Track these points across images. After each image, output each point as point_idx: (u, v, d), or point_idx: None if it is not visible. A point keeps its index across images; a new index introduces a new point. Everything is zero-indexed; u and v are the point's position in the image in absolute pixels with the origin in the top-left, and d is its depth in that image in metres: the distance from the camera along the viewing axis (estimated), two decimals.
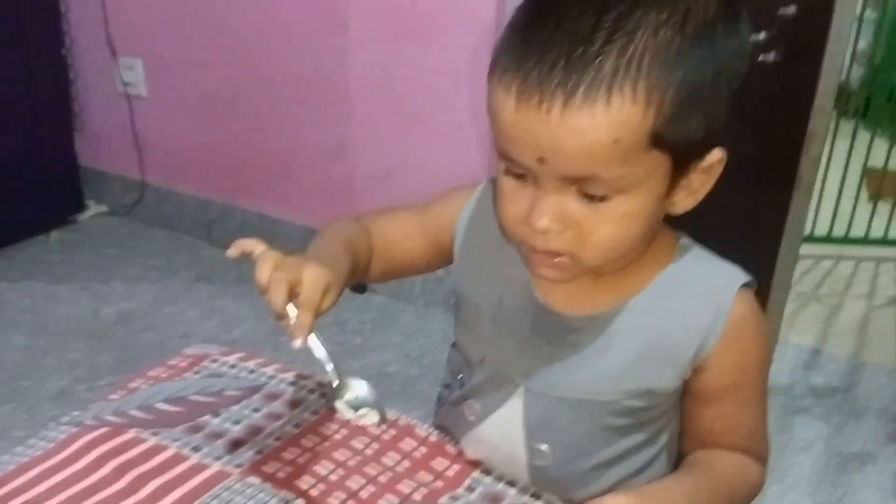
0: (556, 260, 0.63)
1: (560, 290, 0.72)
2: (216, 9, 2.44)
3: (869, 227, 2.96)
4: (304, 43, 2.31)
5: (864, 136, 3.06)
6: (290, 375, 0.91)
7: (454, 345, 0.84)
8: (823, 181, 2.86)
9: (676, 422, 0.78)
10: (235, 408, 0.86)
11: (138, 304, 2.31)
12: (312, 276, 0.63)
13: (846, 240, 2.96)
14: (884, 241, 2.97)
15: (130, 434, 0.80)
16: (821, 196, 2.86)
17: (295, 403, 0.87)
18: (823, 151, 2.81)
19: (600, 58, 0.54)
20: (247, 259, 0.65)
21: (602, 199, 0.59)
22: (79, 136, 2.86)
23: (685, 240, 0.73)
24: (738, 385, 0.72)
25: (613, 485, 0.76)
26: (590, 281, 0.70)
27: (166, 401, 0.87)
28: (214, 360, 0.95)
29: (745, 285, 0.69)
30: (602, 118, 0.55)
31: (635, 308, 0.70)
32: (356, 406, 0.66)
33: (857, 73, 3.91)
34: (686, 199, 0.64)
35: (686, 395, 0.74)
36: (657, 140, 0.57)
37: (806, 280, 2.78)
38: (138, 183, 2.84)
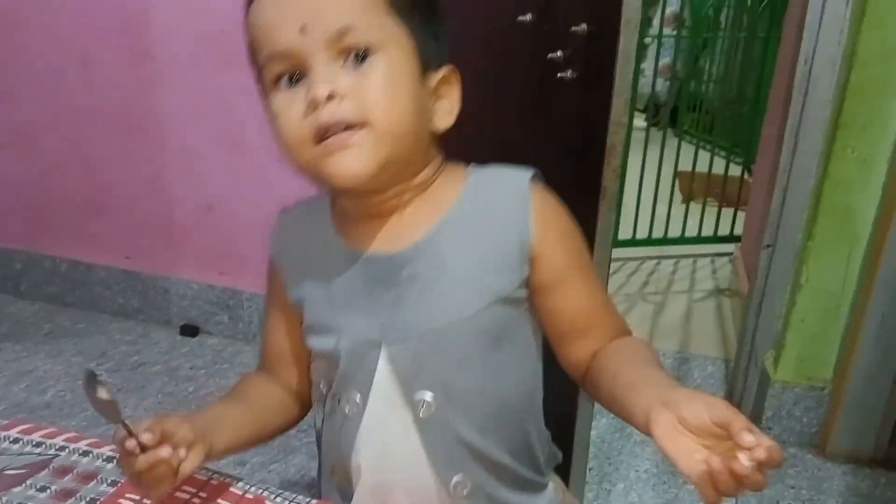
0: (353, 135, 0.66)
1: (375, 236, 0.75)
2: (4, 38, 2.24)
3: (684, 226, 3.18)
4: (105, 73, 2.17)
5: (673, 142, 3.30)
6: (82, 444, 0.81)
7: (311, 367, 0.82)
8: (640, 187, 3.05)
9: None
10: (17, 489, 0.75)
11: None
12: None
13: (665, 240, 3.17)
14: (698, 240, 3.20)
15: None
16: (639, 201, 3.05)
17: (88, 476, 0.77)
18: (639, 160, 3.02)
19: None
20: None
21: (363, 58, 0.66)
22: None
23: (473, 164, 0.78)
24: (571, 263, 0.76)
25: (503, 409, 0.76)
26: (397, 219, 0.74)
27: None
28: None
29: (533, 177, 0.75)
30: None
31: (450, 223, 0.73)
32: None
33: (664, 85, 4.23)
34: (444, 116, 0.73)
35: (537, 294, 0.76)
36: (391, 3, 0.67)
37: (632, 281, 2.94)
38: None
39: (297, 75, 0.67)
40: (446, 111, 0.73)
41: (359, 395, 0.75)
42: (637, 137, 2.93)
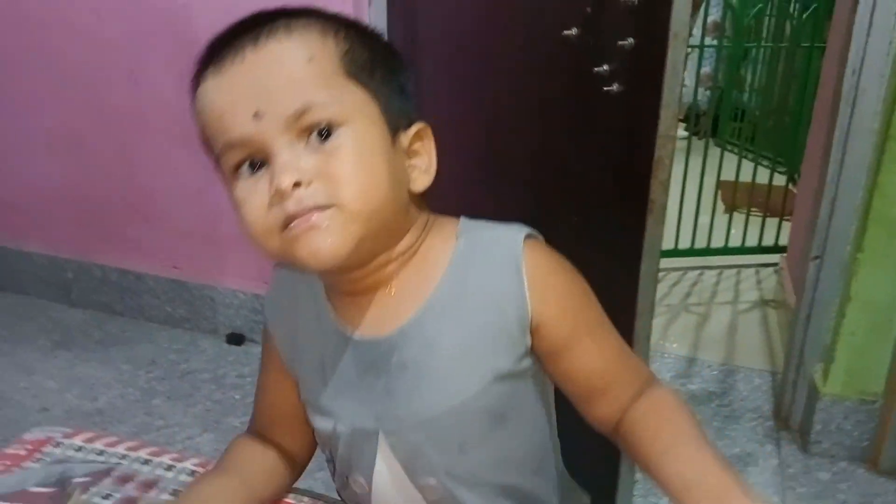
0: (321, 217, 0.60)
1: (364, 315, 0.70)
2: (53, 44, 2.29)
3: (727, 236, 3.14)
4: (152, 82, 2.21)
5: (715, 152, 3.26)
6: (143, 453, 0.84)
7: (315, 433, 0.80)
8: (682, 197, 3.02)
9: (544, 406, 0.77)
10: (83, 497, 0.78)
11: None
12: None
13: (708, 251, 3.13)
14: (741, 250, 3.15)
15: None
16: (681, 211, 3.02)
17: (150, 484, 0.79)
18: (681, 169, 2.99)
19: (275, 20, 0.63)
20: None
21: (327, 135, 0.61)
22: None
23: (465, 220, 0.72)
24: (577, 323, 0.70)
25: (513, 479, 0.74)
26: (384, 295, 0.70)
27: (2, 497, 0.78)
28: (58, 444, 0.86)
29: (528, 237, 0.69)
30: (288, 43, 0.62)
31: (438, 302, 0.68)
32: None
33: (704, 95, 4.19)
34: (421, 176, 0.68)
35: (547, 360, 0.71)
36: (349, 70, 0.63)
37: (675, 292, 2.91)
38: None
39: (257, 162, 0.62)
40: (422, 170, 0.68)
41: (363, 479, 0.73)
42: (679, 147, 2.88)
